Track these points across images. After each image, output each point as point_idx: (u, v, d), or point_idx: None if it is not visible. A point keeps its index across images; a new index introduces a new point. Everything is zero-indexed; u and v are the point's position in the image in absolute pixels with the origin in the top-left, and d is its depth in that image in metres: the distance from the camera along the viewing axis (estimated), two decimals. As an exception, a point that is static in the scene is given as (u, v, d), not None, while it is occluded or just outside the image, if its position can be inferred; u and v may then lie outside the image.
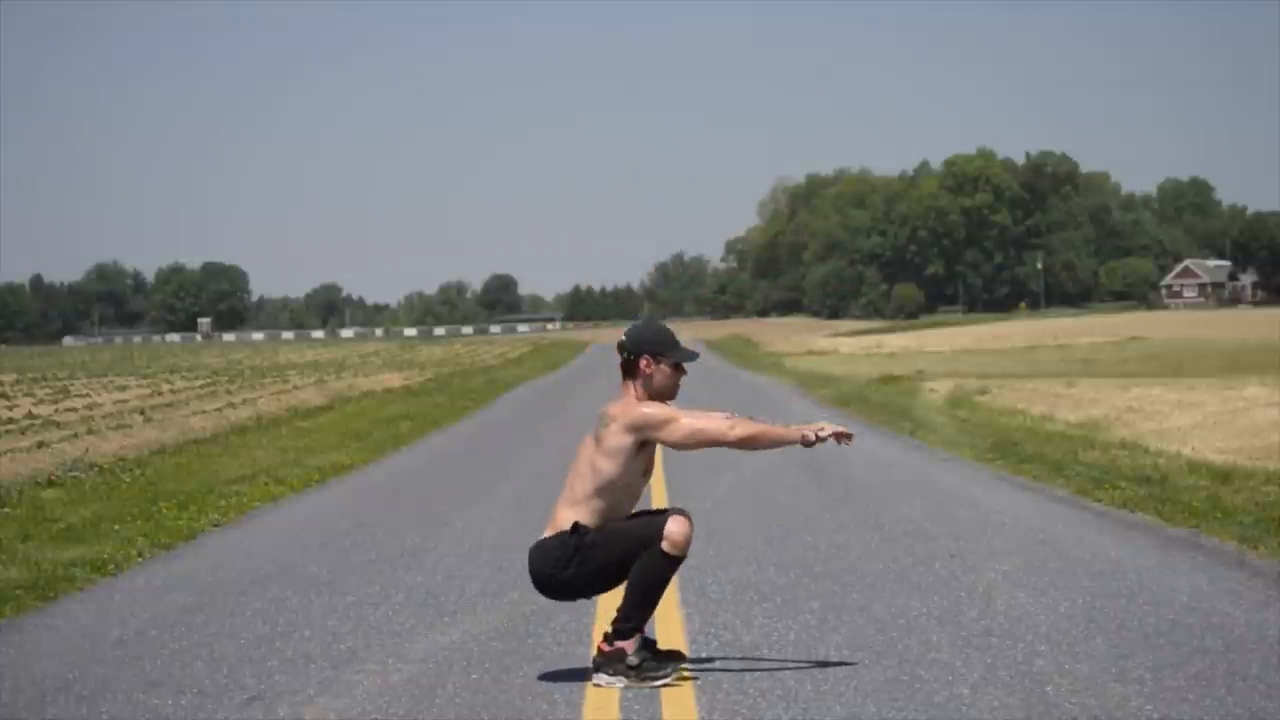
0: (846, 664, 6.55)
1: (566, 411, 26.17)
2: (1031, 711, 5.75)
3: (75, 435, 19.96)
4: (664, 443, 6.50)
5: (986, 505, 11.86)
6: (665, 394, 6.56)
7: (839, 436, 6.50)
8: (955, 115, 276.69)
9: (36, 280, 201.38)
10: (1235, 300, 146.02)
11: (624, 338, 6.58)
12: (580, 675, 6.47)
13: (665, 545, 6.32)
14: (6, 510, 12.88)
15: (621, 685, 6.27)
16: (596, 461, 6.44)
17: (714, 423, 6.48)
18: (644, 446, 6.48)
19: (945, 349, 58.43)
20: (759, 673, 6.44)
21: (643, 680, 6.27)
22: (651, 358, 6.52)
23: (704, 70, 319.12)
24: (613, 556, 6.32)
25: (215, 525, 11.97)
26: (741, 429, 6.48)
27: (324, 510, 12.88)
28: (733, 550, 9.78)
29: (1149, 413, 20.41)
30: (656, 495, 12.94)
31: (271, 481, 14.98)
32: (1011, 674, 6.31)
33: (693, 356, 6.61)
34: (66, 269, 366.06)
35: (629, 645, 6.34)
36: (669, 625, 7.41)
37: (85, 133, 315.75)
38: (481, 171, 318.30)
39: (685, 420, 6.46)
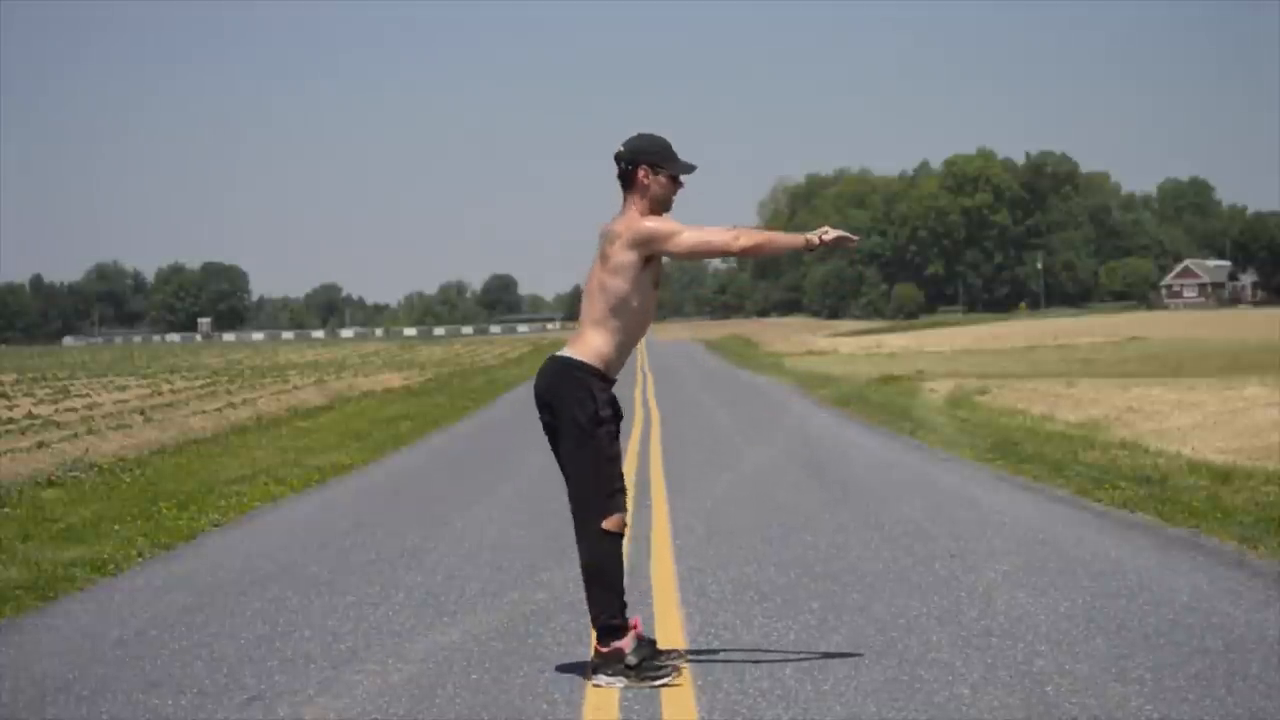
0: (847, 663, 6.55)
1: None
2: (1031, 711, 5.75)
3: (75, 435, 19.96)
4: (669, 254, 6.45)
5: (986, 505, 11.85)
6: (662, 206, 6.52)
7: (841, 240, 6.47)
8: (955, 115, 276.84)
9: (36, 280, 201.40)
10: (1235, 300, 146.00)
11: (621, 148, 6.53)
12: (580, 675, 6.47)
13: (606, 524, 6.34)
14: (6, 510, 12.88)
15: (621, 685, 6.27)
16: (605, 280, 6.43)
17: (718, 234, 6.45)
18: (650, 261, 6.44)
19: (945, 349, 58.41)
20: (759, 673, 6.44)
21: (642, 680, 6.27)
22: (650, 168, 6.48)
23: (704, 70, 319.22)
24: (590, 455, 6.34)
25: (215, 525, 11.97)
26: (746, 238, 6.45)
27: (324, 510, 12.88)
28: (733, 550, 9.78)
29: (1149, 413, 20.41)
30: (656, 495, 12.94)
31: (271, 481, 14.98)
32: (1011, 674, 6.31)
33: (690, 169, 6.56)
34: (66, 269, 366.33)
35: (626, 644, 6.34)
36: (669, 625, 7.41)
37: (85, 133, 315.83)
38: (482, 171, 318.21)
39: (689, 232, 6.42)
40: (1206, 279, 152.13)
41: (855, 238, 6.58)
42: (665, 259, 6.52)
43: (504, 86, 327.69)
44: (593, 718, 5.89)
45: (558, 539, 10.17)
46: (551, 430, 6.50)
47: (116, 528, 11.59)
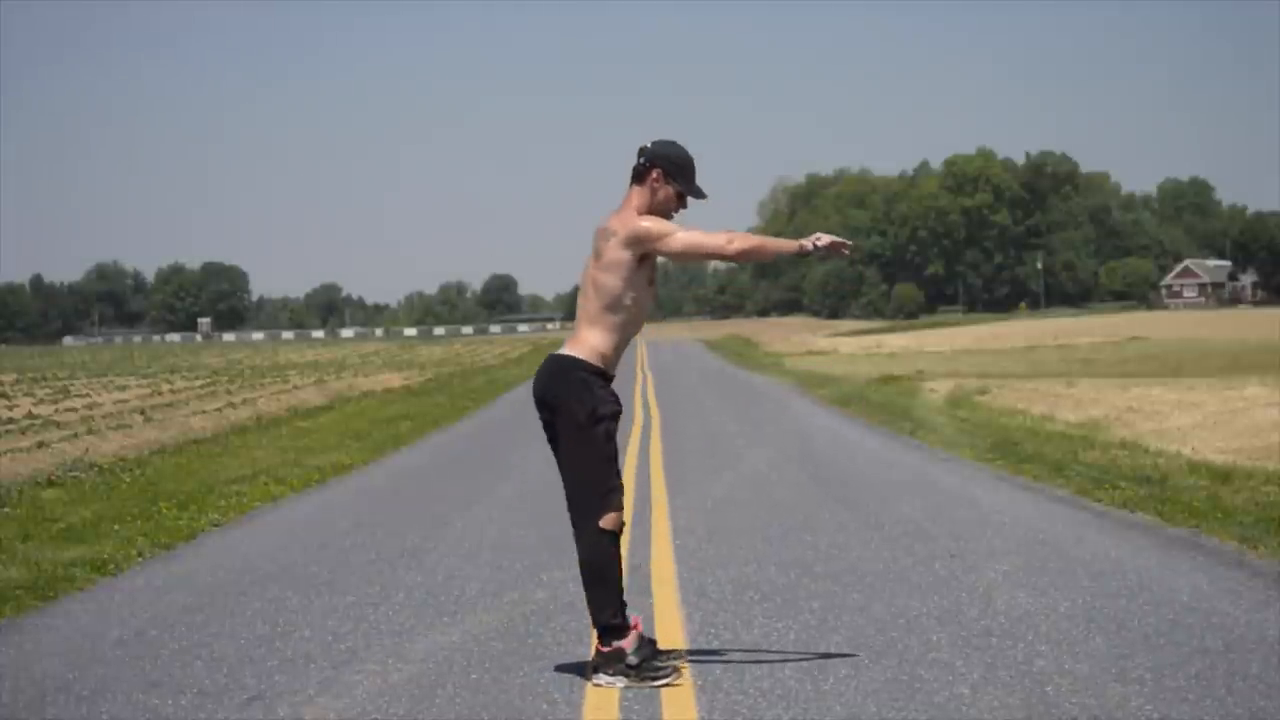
0: (847, 663, 6.55)
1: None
2: (1031, 711, 5.75)
3: (75, 435, 19.96)
4: (663, 253, 6.46)
5: (986, 505, 11.85)
6: (660, 213, 6.52)
7: (835, 246, 6.48)
8: (955, 115, 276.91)
9: (36, 280, 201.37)
10: (1235, 300, 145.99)
11: (649, 144, 6.54)
12: (580, 675, 6.47)
13: (603, 523, 6.34)
14: (6, 510, 12.88)
15: (622, 685, 6.26)
16: (598, 277, 6.44)
17: (713, 237, 6.47)
18: (644, 260, 6.45)
19: (945, 349, 58.42)
20: (759, 673, 6.44)
21: (643, 680, 6.27)
22: (665, 174, 6.49)
23: (704, 70, 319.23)
24: (588, 454, 6.35)
25: (215, 525, 11.97)
26: (741, 242, 6.46)
27: (324, 510, 12.88)
28: (733, 550, 9.77)
29: (1149, 413, 20.41)
30: (656, 494, 12.94)
31: (271, 481, 14.98)
32: (1011, 674, 6.31)
33: (701, 195, 6.59)
34: (66, 269, 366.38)
35: (627, 644, 6.34)
36: (669, 625, 7.41)
37: (85, 133, 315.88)
38: (481, 171, 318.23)
39: (684, 233, 6.43)
40: (1206, 279, 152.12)
41: (849, 244, 6.59)
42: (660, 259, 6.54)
43: (504, 86, 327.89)
44: (593, 718, 5.88)
45: (558, 539, 10.17)
46: (551, 429, 6.51)
47: (116, 528, 11.58)
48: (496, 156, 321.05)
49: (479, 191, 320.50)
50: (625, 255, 6.41)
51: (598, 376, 6.42)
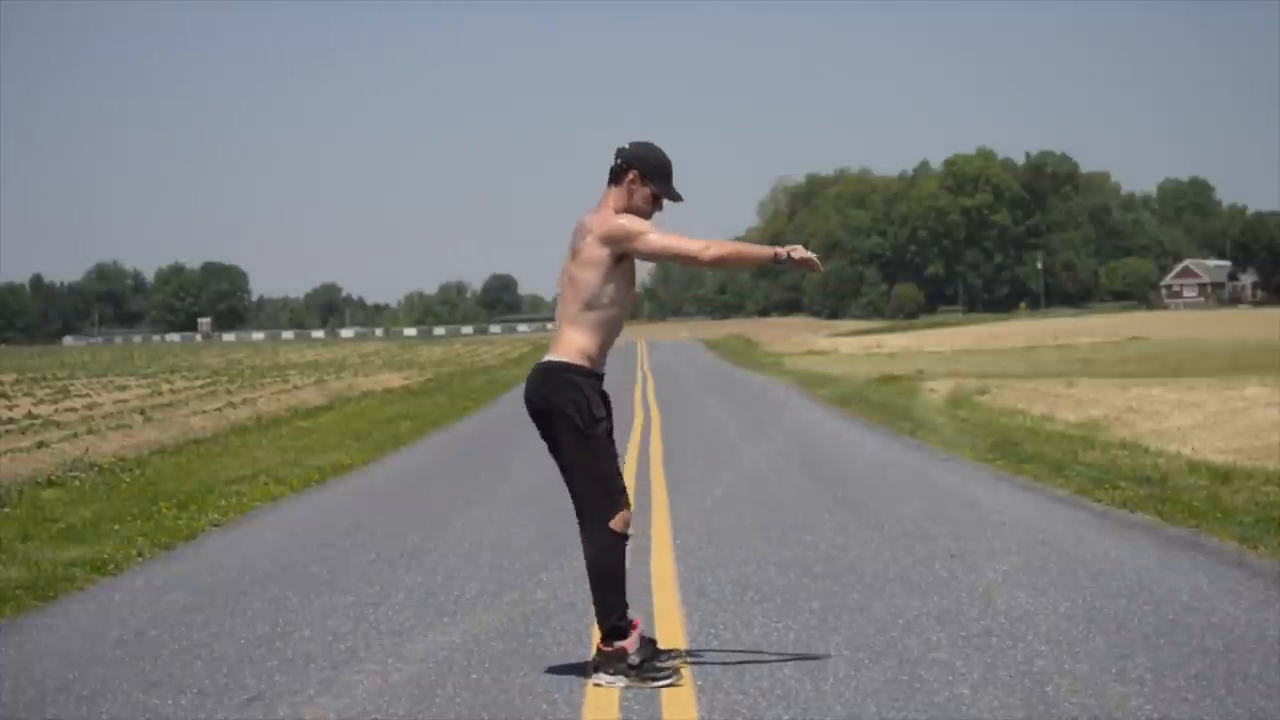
0: (847, 663, 6.55)
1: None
2: (1031, 711, 5.75)
3: (75, 435, 19.96)
4: (637, 253, 6.44)
5: (986, 505, 11.85)
6: (638, 216, 6.52)
7: (807, 262, 6.54)
8: (955, 115, 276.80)
9: (36, 280, 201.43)
10: (1235, 300, 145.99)
11: (626, 146, 6.54)
12: (580, 675, 6.47)
13: (614, 524, 6.36)
14: (6, 510, 12.88)
15: (622, 685, 6.26)
16: (575, 275, 6.45)
17: (689, 242, 6.47)
18: (622, 259, 6.44)
19: (945, 349, 58.41)
20: (759, 673, 6.44)
21: (643, 680, 6.27)
22: (641, 176, 6.49)
23: (704, 70, 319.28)
24: (591, 456, 6.36)
25: (215, 525, 11.97)
26: (716, 249, 6.46)
27: (324, 510, 12.88)
28: (733, 550, 9.77)
29: (1149, 413, 20.41)
30: (657, 495, 12.94)
31: (271, 481, 14.98)
32: (1011, 674, 6.31)
33: (677, 198, 6.59)
34: (66, 269, 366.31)
35: (630, 644, 6.34)
36: (669, 625, 7.41)
37: (85, 133, 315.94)
38: (481, 171, 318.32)
39: (659, 234, 6.43)
40: (1206, 279, 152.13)
41: (819, 267, 6.65)
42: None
43: (504, 86, 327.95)
44: (593, 718, 5.88)
45: (557, 539, 10.18)
46: (550, 438, 6.50)
47: (116, 528, 11.58)
48: (496, 156, 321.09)
49: (479, 191, 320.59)
50: (602, 252, 6.40)
51: (587, 376, 6.42)
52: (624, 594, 6.42)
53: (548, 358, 6.50)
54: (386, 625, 7.69)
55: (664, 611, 7.77)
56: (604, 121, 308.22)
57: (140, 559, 10.26)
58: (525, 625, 7.57)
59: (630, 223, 6.42)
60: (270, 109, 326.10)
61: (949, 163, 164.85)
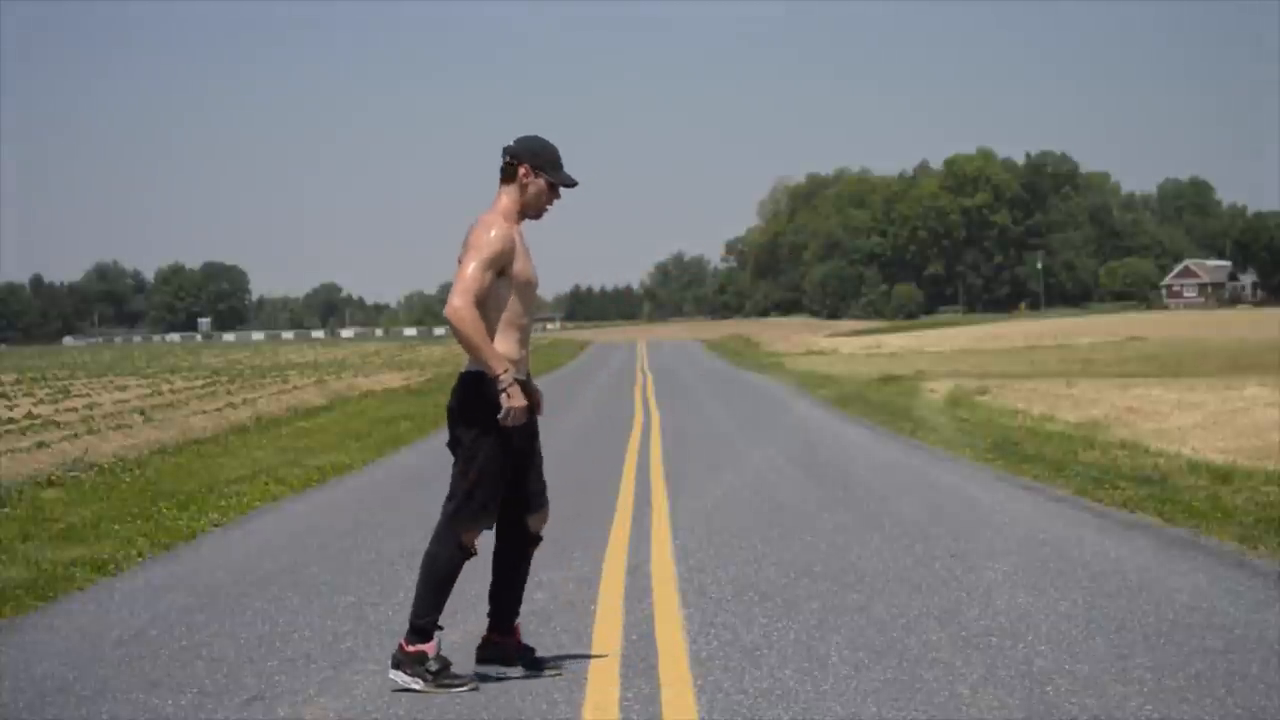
0: (847, 663, 6.54)
1: (565, 410, 26.14)
2: (1031, 711, 5.75)
3: (75, 435, 19.95)
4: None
5: (986, 505, 11.85)
6: (534, 208, 6.49)
7: (517, 413, 6.29)
8: (955, 115, 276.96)
9: (36, 280, 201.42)
10: (1235, 300, 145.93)
11: (512, 143, 6.51)
12: (580, 675, 6.47)
13: (465, 538, 6.44)
14: (6, 510, 12.87)
15: (419, 688, 6.25)
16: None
17: (461, 287, 6.25)
18: (504, 270, 6.34)
19: (945, 349, 58.42)
20: (759, 673, 6.43)
21: (440, 687, 6.25)
22: (532, 169, 6.45)
23: (704, 70, 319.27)
24: (479, 466, 6.33)
25: (215, 525, 11.96)
26: (458, 317, 6.20)
27: (324, 510, 12.88)
28: (733, 550, 9.77)
29: (1149, 413, 20.42)
30: (657, 495, 12.94)
31: (272, 481, 14.98)
32: (1011, 674, 6.31)
33: (571, 183, 6.53)
34: (66, 269, 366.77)
35: (430, 648, 6.32)
36: (669, 625, 7.41)
37: (86, 133, 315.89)
38: (481, 171, 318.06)
39: (468, 268, 6.28)
40: (1206, 279, 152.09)
41: (524, 418, 6.35)
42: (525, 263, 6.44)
43: (504, 86, 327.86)
44: (592, 718, 5.88)
45: (556, 539, 10.17)
46: (455, 442, 6.44)
47: (116, 528, 11.58)
48: (496, 156, 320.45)
49: (479, 191, 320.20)
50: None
51: (499, 383, 6.28)
52: (445, 600, 6.46)
53: (466, 368, 6.43)
54: (386, 625, 7.69)
55: (664, 611, 7.77)
56: (604, 121, 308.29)
57: (140, 559, 10.25)
58: (525, 625, 7.56)
59: (476, 241, 6.34)
60: (270, 109, 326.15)
61: (949, 163, 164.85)
